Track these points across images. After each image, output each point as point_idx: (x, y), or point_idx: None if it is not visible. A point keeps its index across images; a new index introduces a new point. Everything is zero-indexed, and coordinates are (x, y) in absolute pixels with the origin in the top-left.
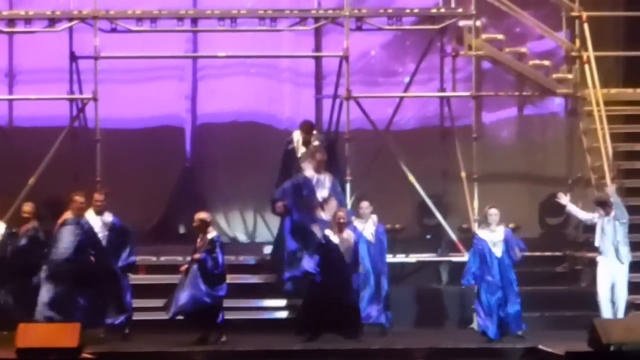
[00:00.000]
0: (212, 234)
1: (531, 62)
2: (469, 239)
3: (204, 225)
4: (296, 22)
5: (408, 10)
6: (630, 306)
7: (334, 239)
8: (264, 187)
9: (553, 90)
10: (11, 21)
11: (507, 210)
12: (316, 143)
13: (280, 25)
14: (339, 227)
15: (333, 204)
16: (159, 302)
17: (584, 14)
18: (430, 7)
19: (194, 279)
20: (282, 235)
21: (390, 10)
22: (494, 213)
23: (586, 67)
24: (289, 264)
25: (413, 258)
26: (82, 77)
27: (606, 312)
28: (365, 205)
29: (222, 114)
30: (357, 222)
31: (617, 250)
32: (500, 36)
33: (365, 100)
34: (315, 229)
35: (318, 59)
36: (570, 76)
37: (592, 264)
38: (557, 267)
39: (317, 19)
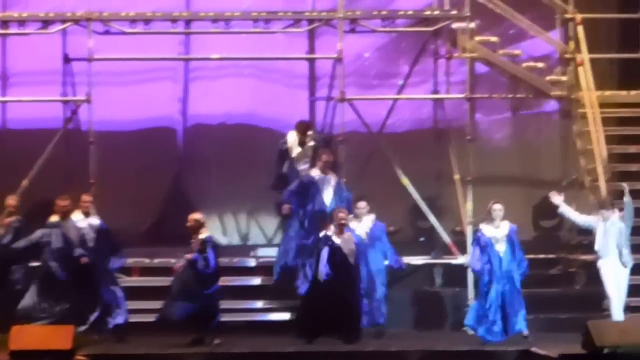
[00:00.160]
0: (204, 234)
1: (525, 64)
2: (462, 241)
3: (198, 225)
4: (290, 24)
5: (402, 12)
6: (626, 309)
7: (336, 240)
8: (258, 189)
9: (547, 93)
10: (4, 23)
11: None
12: (311, 143)
13: (274, 27)
14: (339, 228)
15: (361, 204)
16: (153, 304)
17: (578, 16)
18: (424, 9)
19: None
20: (288, 242)
21: (384, 12)
22: (498, 208)
23: (580, 69)
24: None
25: (406, 260)
26: (75, 79)
27: (617, 314)
28: (362, 205)
29: (216, 115)
30: (353, 222)
31: (620, 254)
32: (494, 38)
33: (360, 102)
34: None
35: (312, 61)
36: (564, 78)
37: (586, 266)
38: (551, 270)
39: (310, 21)
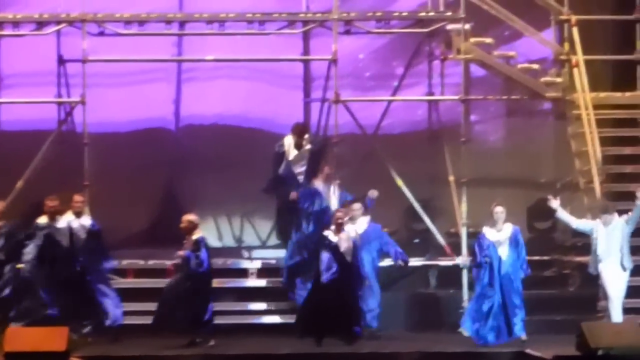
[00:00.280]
0: (197, 235)
1: (520, 66)
2: (457, 243)
3: (192, 227)
4: (284, 25)
5: (397, 14)
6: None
7: (333, 238)
8: (253, 190)
9: (542, 94)
10: None
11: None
12: (308, 147)
13: (269, 28)
14: (337, 228)
15: (356, 206)
16: (147, 306)
17: (573, 18)
18: (419, 10)
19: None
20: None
21: (378, 14)
22: (499, 211)
23: (575, 70)
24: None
25: (401, 262)
26: (70, 80)
27: (617, 316)
28: (357, 206)
29: (210, 117)
30: (348, 224)
31: (622, 257)
32: (489, 40)
33: (355, 104)
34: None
35: (307, 63)
36: (559, 80)
37: (581, 268)
38: (545, 271)
39: (305, 23)
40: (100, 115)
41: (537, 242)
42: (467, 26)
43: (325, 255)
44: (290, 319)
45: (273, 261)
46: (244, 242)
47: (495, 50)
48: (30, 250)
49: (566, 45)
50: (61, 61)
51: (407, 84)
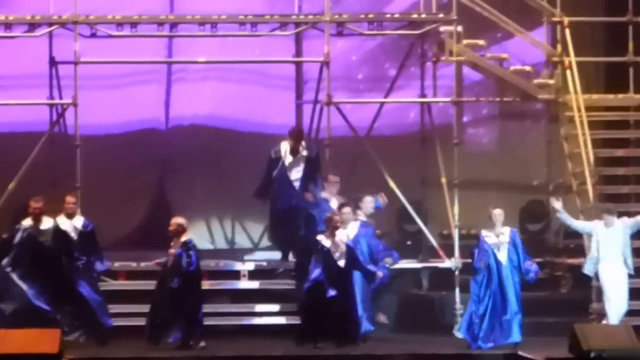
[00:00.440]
0: (185, 237)
1: (512, 68)
2: (449, 245)
3: (181, 229)
4: (276, 27)
5: (389, 16)
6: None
7: (326, 243)
8: (244, 192)
9: (534, 96)
10: None
11: (486, 216)
12: (305, 153)
13: (261, 30)
14: (332, 232)
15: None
16: (139, 308)
17: (565, 19)
18: (411, 12)
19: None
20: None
21: (371, 16)
22: (498, 213)
23: (568, 72)
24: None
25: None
26: (62, 82)
27: (614, 318)
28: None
29: (202, 118)
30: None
31: (626, 259)
32: (481, 42)
33: (347, 106)
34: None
35: (299, 64)
36: (551, 82)
37: (573, 270)
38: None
39: (297, 24)
40: (91, 117)
41: (529, 244)
42: (459, 28)
43: (313, 261)
44: (283, 320)
45: (265, 263)
46: (236, 244)
47: (487, 52)
48: (10, 252)
49: (558, 47)
50: (53, 63)
51: (399, 86)
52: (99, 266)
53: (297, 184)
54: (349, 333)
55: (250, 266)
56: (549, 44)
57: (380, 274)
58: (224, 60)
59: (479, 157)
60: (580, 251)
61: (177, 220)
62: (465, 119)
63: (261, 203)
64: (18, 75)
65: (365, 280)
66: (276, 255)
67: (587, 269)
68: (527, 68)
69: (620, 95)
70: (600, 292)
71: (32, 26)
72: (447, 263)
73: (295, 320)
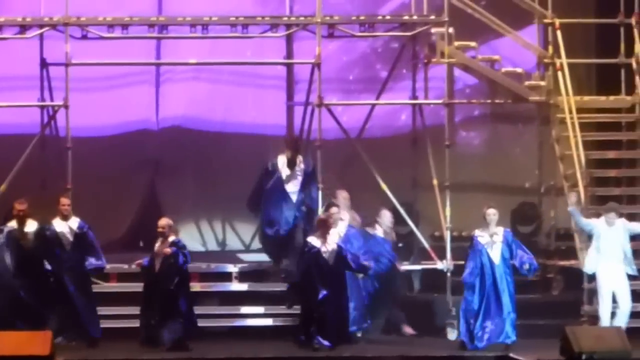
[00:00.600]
0: (173, 237)
1: (504, 70)
2: (441, 246)
3: (172, 231)
4: (268, 29)
5: (380, 17)
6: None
7: (316, 243)
8: (235, 194)
9: (526, 98)
10: None
11: (478, 217)
12: (302, 166)
13: (252, 32)
14: (323, 233)
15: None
16: (130, 310)
17: (557, 21)
18: (402, 14)
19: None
20: None
21: (362, 17)
22: (492, 213)
23: (559, 74)
24: None
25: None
26: (53, 84)
27: (606, 319)
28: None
29: (193, 120)
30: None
31: (629, 259)
32: (473, 43)
33: (339, 107)
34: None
35: (290, 66)
36: (542, 83)
37: (564, 272)
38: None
39: (288, 26)
40: (83, 119)
41: None
42: (451, 30)
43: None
44: (275, 322)
45: (256, 265)
46: (227, 246)
47: (479, 54)
48: None
49: (550, 49)
50: (44, 65)
51: (391, 87)
52: (92, 262)
53: (294, 197)
54: (342, 332)
55: (241, 268)
56: (541, 45)
57: (370, 264)
58: (215, 62)
59: (471, 159)
60: (572, 253)
61: (167, 221)
62: (457, 120)
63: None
64: (9, 77)
65: (358, 275)
66: (267, 257)
67: (588, 267)
68: (519, 70)
69: (611, 97)
70: (592, 293)
71: (23, 28)
72: (438, 265)
73: (286, 322)
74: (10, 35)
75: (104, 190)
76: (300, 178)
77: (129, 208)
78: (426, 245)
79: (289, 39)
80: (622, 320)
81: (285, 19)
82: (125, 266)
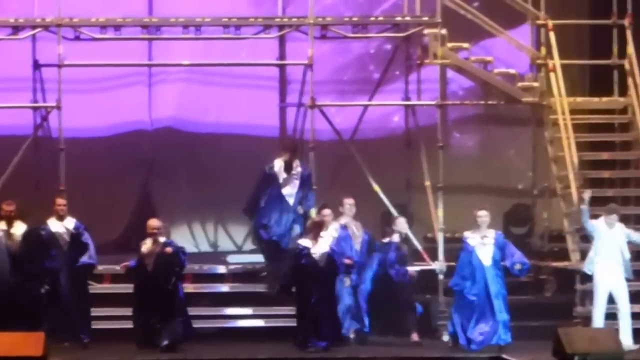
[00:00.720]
0: (164, 238)
1: (497, 71)
2: (434, 248)
3: (165, 232)
4: (260, 30)
5: (373, 19)
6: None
7: (307, 244)
8: (228, 194)
9: (519, 99)
10: None
11: (471, 219)
12: (299, 169)
13: (245, 33)
14: (315, 235)
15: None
16: (124, 311)
17: (550, 22)
18: (395, 15)
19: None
20: None
21: (355, 19)
22: (483, 215)
23: (552, 75)
24: None
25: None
26: (45, 85)
27: (599, 321)
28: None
29: (187, 122)
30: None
31: (627, 262)
32: (465, 44)
33: (333, 109)
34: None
35: (283, 67)
36: (535, 85)
37: (557, 274)
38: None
39: (281, 27)
40: (77, 120)
41: None
42: (444, 31)
43: (296, 262)
44: (268, 323)
45: (249, 266)
46: (219, 247)
47: (472, 56)
48: None
49: (543, 50)
50: (37, 66)
51: (384, 89)
52: (84, 260)
53: (290, 200)
54: (335, 333)
55: (234, 269)
56: (534, 47)
57: (348, 261)
58: (207, 63)
59: (464, 161)
60: (565, 255)
61: (158, 222)
62: (450, 122)
63: (249, 219)
64: (1, 78)
65: (344, 274)
66: (259, 258)
67: (587, 268)
68: (511, 71)
69: (605, 99)
70: (584, 295)
71: (16, 29)
72: (431, 266)
73: (278, 323)
74: (2, 37)
75: (98, 191)
76: (297, 182)
77: (123, 209)
78: (419, 246)
79: (282, 41)
80: (626, 322)
81: (278, 20)
82: (118, 267)
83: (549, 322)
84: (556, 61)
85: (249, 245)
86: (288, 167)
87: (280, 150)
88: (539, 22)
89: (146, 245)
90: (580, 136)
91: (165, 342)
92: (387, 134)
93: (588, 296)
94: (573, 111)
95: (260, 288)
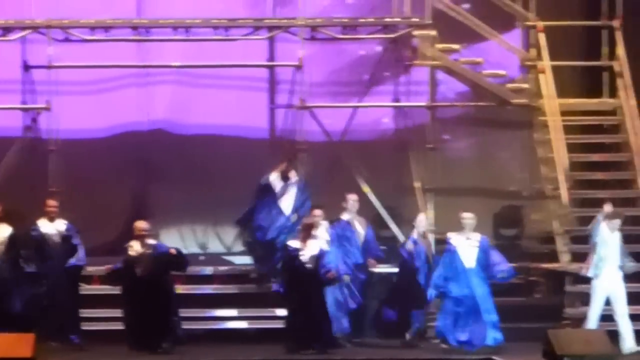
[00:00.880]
0: (152, 240)
1: (486, 72)
2: None
3: (155, 234)
4: (250, 31)
5: (362, 20)
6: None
7: (296, 245)
8: (219, 196)
9: (509, 101)
10: None
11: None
12: (295, 179)
13: (235, 34)
14: (304, 237)
15: (318, 213)
16: (113, 312)
17: (540, 24)
18: (385, 16)
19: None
20: None
21: (345, 20)
22: (468, 217)
23: (542, 76)
24: None
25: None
26: (37, 87)
27: (593, 323)
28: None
29: (178, 124)
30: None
31: (625, 253)
32: (455, 46)
33: (325, 111)
34: None
35: (273, 69)
36: (526, 86)
37: (547, 275)
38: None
39: (270, 28)
40: (69, 122)
41: (504, 249)
42: (434, 32)
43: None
44: (258, 325)
45: (239, 267)
46: (209, 249)
47: (462, 57)
48: None
49: (532, 51)
50: (26, 68)
51: (375, 90)
52: (72, 261)
53: (287, 211)
54: (325, 336)
55: (224, 270)
56: (524, 49)
57: (330, 275)
58: (197, 65)
59: (455, 163)
60: (555, 257)
61: (147, 224)
62: (441, 124)
63: (235, 204)
64: None
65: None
66: (249, 260)
67: (590, 271)
68: (502, 72)
69: (595, 100)
70: (575, 296)
71: (6, 30)
72: None
73: (267, 325)
74: None
75: (92, 193)
76: (293, 192)
77: (116, 211)
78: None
79: (272, 42)
80: (626, 325)
81: (268, 21)
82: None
83: (539, 324)
84: (547, 62)
85: (240, 247)
86: (284, 178)
87: (277, 162)
88: (529, 23)
89: (134, 248)
90: (571, 138)
91: (166, 344)
92: (379, 136)
93: (578, 298)
94: (564, 112)
95: (250, 289)
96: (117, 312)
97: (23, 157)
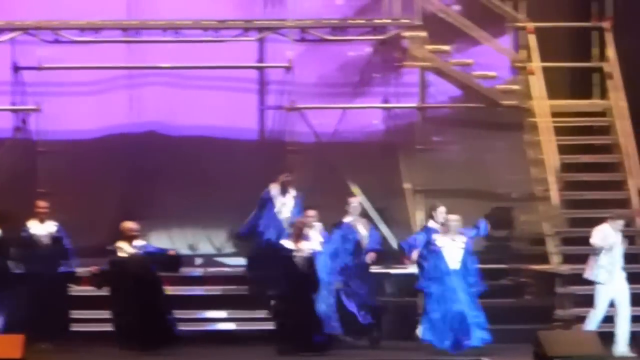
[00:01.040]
0: (140, 241)
1: (476, 74)
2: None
3: (142, 234)
4: (240, 32)
5: (352, 21)
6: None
7: (289, 245)
8: (208, 198)
9: (499, 102)
10: None
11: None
12: (294, 193)
13: (224, 35)
14: (297, 237)
15: (311, 213)
16: (102, 314)
17: (530, 25)
18: (375, 17)
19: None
20: None
21: (334, 21)
22: (453, 219)
23: (532, 78)
24: None
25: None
26: (28, 89)
27: (593, 326)
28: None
29: (166, 126)
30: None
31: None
32: (445, 47)
33: (315, 112)
34: None
35: (263, 70)
36: (515, 87)
37: (537, 277)
38: (501, 280)
39: (260, 30)
40: (58, 123)
41: (494, 250)
42: (424, 34)
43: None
44: (249, 326)
45: (229, 269)
46: (199, 250)
47: (452, 58)
48: None
49: (523, 53)
50: (16, 69)
51: (366, 92)
52: (64, 268)
53: (285, 224)
54: (313, 337)
55: (213, 271)
56: (515, 50)
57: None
58: (187, 66)
59: (445, 164)
60: (545, 258)
61: (135, 225)
62: (430, 125)
63: (225, 204)
64: None
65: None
66: (240, 260)
67: (593, 275)
68: (492, 74)
69: (585, 101)
70: (565, 298)
71: None
72: (411, 269)
73: (255, 326)
74: None
75: (82, 194)
76: (292, 205)
77: (105, 212)
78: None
79: (262, 43)
80: (624, 328)
81: (257, 22)
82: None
83: (529, 326)
84: (536, 64)
85: (230, 248)
86: (284, 191)
87: (277, 176)
88: (519, 24)
89: (122, 249)
90: (561, 139)
91: (163, 344)
92: (368, 137)
93: (569, 299)
94: (554, 114)
95: (238, 291)
96: (107, 314)
97: (13, 159)
